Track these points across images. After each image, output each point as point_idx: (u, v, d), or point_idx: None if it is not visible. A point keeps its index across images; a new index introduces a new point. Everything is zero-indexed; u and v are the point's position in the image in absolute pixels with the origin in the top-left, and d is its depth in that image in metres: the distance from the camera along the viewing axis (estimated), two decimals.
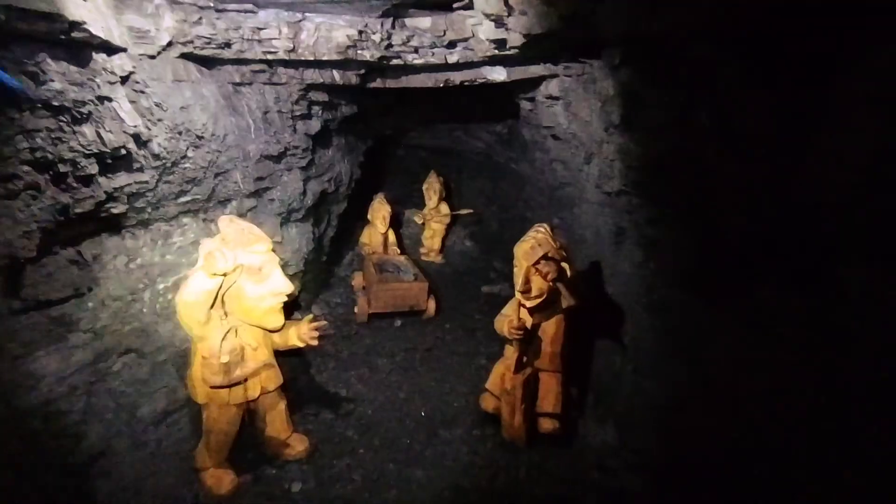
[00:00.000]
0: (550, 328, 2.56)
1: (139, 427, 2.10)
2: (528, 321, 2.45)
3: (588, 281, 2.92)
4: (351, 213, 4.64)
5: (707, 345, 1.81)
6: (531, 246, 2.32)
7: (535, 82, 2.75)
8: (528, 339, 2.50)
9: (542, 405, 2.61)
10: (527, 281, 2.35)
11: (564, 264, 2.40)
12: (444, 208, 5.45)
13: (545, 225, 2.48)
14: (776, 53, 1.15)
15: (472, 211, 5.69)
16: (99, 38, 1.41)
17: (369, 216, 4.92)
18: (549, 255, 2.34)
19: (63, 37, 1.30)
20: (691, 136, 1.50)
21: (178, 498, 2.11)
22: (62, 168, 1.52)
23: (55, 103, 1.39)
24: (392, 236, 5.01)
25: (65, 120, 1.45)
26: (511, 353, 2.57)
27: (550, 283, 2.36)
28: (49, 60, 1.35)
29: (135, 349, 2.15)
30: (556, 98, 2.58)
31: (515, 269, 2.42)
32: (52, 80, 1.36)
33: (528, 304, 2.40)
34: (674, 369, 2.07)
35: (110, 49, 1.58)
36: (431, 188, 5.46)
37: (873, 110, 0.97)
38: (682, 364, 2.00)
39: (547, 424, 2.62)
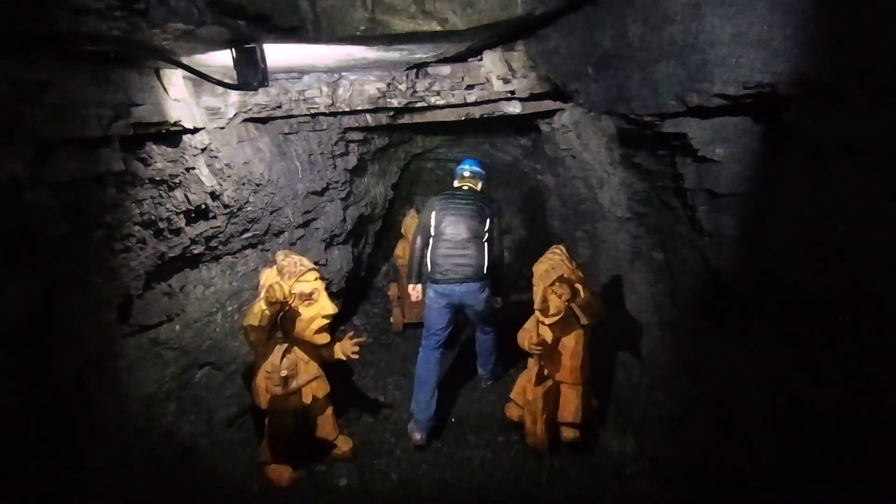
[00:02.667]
0: (570, 343, 2.71)
1: (216, 427, 2.53)
2: (548, 337, 2.64)
3: (608, 295, 3.06)
4: (385, 227, 5.01)
5: (710, 364, 1.95)
6: (546, 269, 2.51)
7: (550, 112, 2.94)
8: (548, 354, 2.69)
9: (563, 415, 2.78)
10: (544, 300, 2.54)
11: (578, 285, 2.57)
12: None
13: (561, 246, 2.66)
14: (736, 122, 1.32)
15: None
16: (189, 128, 1.81)
17: (402, 230, 5.25)
18: (565, 276, 2.52)
19: (165, 131, 1.70)
20: (678, 183, 1.67)
21: (246, 488, 2.51)
22: (161, 225, 1.94)
23: (157, 178, 1.80)
24: None
25: (163, 189, 1.87)
26: (532, 365, 2.77)
27: (565, 303, 2.54)
28: (154, 147, 1.76)
29: (211, 362, 2.58)
30: (569, 128, 2.77)
31: (534, 288, 2.62)
32: (157, 162, 1.77)
33: (547, 321, 2.59)
34: (682, 385, 2.20)
35: (194, 129, 1.99)
36: None
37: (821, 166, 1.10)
38: (689, 381, 2.13)
39: (568, 433, 2.79)
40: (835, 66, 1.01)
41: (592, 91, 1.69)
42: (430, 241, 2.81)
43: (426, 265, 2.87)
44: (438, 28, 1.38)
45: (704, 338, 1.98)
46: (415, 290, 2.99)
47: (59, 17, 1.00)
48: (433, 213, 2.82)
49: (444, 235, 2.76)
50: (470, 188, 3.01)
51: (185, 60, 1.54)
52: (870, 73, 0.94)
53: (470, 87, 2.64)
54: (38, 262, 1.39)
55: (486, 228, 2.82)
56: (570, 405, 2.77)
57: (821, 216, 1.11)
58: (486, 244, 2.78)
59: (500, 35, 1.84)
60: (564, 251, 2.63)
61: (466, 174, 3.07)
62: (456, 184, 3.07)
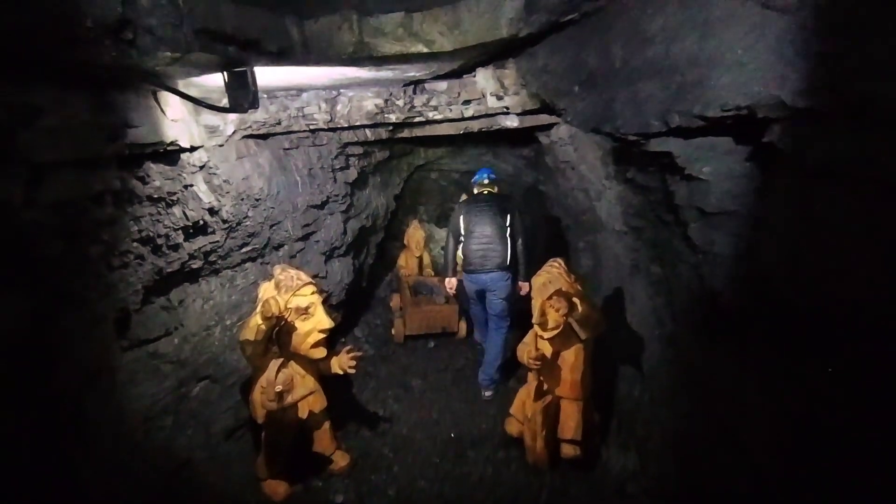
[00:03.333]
0: (570, 357, 2.67)
1: (213, 441, 2.53)
2: (547, 351, 2.60)
3: (610, 307, 3.01)
4: (388, 237, 5.02)
5: (711, 381, 1.90)
6: (543, 282, 2.49)
7: (548, 125, 2.94)
8: (548, 368, 2.65)
9: (563, 431, 2.73)
10: (542, 313, 2.51)
11: (576, 299, 2.53)
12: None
13: (559, 259, 2.63)
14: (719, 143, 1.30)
15: None
16: (186, 147, 1.85)
17: (405, 240, 5.27)
18: (562, 289, 2.49)
19: (162, 150, 1.73)
20: (670, 198, 1.64)
21: (243, 502, 2.50)
22: (159, 241, 1.97)
23: (155, 196, 1.84)
24: (427, 258, 5.31)
25: (161, 206, 1.90)
26: (532, 380, 2.73)
27: (563, 317, 2.51)
28: (152, 165, 1.80)
29: (208, 376, 2.59)
30: (566, 141, 2.76)
31: (533, 302, 2.60)
32: (154, 180, 1.80)
33: (545, 335, 2.56)
34: (684, 401, 2.15)
35: (192, 148, 2.02)
36: None
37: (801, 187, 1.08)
38: (691, 397, 2.08)
39: (568, 450, 2.73)
40: (810, 90, 1.00)
41: (580, 109, 1.70)
42: (462, 239, 3.36)
43: (459, 260, 3.53)
44: (426, 49, 1.39)
45: (705, 353, 1.94)
46: (450, 283, 3.62)
47: (53, 46, 1.03)
48: (461, 217, 3.35)
49: (474, 234, 3.26)
50: (489, 192, 3.47)
51: (181, 82, 1.58)
52: (845, 98, 0.93)
53: (467, 102, 2.66)
54: (34, 279, 1.42)
55: (508, 223, 3.26)
56: (570, 421, 2.72)
57: (808, 236, 1.08)
58: (509, 238, 3.25)
59: (489, 54, 1.85)
60: (562, 264, 2.60)
61: (485, 181, 3.53)
62: (476, 191, 3.54)
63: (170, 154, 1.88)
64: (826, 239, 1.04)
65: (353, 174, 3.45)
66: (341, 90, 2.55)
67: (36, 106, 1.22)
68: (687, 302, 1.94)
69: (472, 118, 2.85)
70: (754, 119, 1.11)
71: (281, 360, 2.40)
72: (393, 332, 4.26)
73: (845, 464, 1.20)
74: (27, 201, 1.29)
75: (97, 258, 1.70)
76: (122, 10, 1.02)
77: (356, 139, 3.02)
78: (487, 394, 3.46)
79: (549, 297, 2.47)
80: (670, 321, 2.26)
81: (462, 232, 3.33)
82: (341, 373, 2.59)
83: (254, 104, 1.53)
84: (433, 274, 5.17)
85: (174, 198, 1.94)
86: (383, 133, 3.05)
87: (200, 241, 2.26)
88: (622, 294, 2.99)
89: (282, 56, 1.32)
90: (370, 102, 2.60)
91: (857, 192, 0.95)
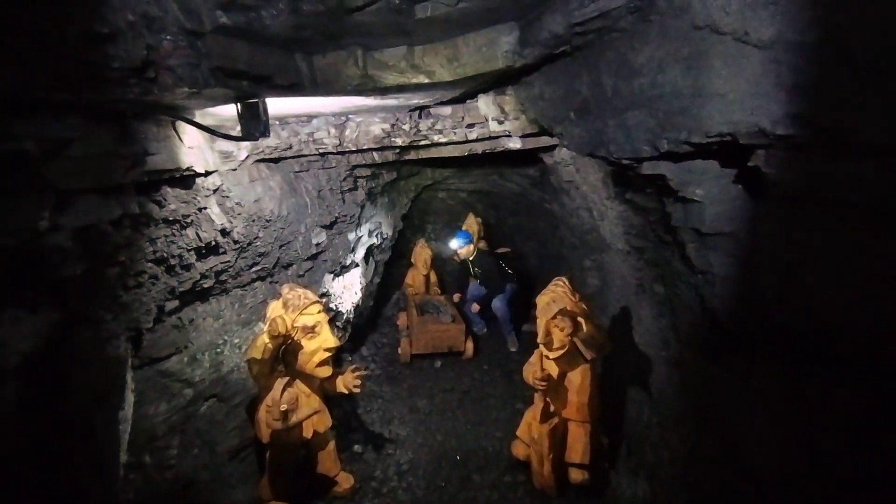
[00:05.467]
0: (577, 378, 2.64)
1: (218, 461, 2.53)
2: (553, 371, 2.58)
3: (617, 327, 2.98)
4: (396, 256, 5.08)
5: (719, 405, 1.86)
6: (547, 302, 2.49)
7: (551, 146, 3.00)
8: (554, 389, 2.61)
9: (571, 455, 2.67)
10: (547, 333, 2.50)
11: (581, 319, 2.52)
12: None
13: (564, 279, 2.64)
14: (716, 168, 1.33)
15: (509, 250, 5.90)
16: (201, 172, 1.94)
17: (412, 259, 5.32)
18: (567, 309, 2.48)
19: (178, 176, 1.82)
20: (668, 221, 1.66)
21: None
22: (172, 261, 2.04)
23: (170, 218, 1.92)
24: (434, 277, 5.35)
25: (175, 228, 1.98)
26: (538, 402, 2.69)
27: (568, 337, 2.49)
28: (168, 190, 1.89)
29: (216, 394, 2.62)
30: (569, 162, 2.81)
31: (537, 321, 2.59)
32: (170, 203, 1.89)
33: (551, 355, 2.54)
34: (692, 425, 2.10)
35: (207, 172, 2.12)
36: (470, 229, 5.79)
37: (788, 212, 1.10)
38: (699, 421, 2.03)
39: (576, 475, 2.66)
40: (787, 119, 1.03)
41: (575, 135, 1.76)
42: None
43: None
44: (427, 80, 1.47)
45: (710, 376, 1.91)
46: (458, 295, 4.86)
47: (82, 87, 1.13)
48: None
49: None
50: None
51: (197, 112, 1.68)
52: (819, 127, 0.95)
53: (470, 125, 2.74)
54: (53, 300, 1.49)
55: None
56: (577, 444, 2.66)
57: (796, 258, 1.09)
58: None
59: (488, 83, 1.93)
60: (567, 283, 2.60)
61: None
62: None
63: (185, 179, 1.97)
64: (812, 262, 1.05)
65: (361, 195, 3.54)
66: (350, 116, 2.66)
67: (65, 138, 1.31)
68: (690, 323, 1.93)
69: (476, 140, 2.93)
70: (738, 145, 1.14)
71: (287, 379, 2.43)
72: (399, 351, 4.26)
73: (855, 487, 1.16)
74: (52, 226, 1.37)
75: (114, 279, 1.77)
76: (147, 53, 1.11)
77: (364, 161, 3.12)
78: (515, 343, 4.47)
79: (554, 317, 2.47)
80: (675, 342, 2.23)
81: None
82: (346, 392, 2.60)
83: (265, 133, 1.61)
84: (440, 293, 5.19)
85: (188, 220, 2.02)
86: (390, 155, 3.14)
87: (212, 261, 2.34)
88: (629, 314, 2.96)
89: (291, 89, 1.41)
90: (377, 127, 2.70)
91: (837, 217, 0.96)
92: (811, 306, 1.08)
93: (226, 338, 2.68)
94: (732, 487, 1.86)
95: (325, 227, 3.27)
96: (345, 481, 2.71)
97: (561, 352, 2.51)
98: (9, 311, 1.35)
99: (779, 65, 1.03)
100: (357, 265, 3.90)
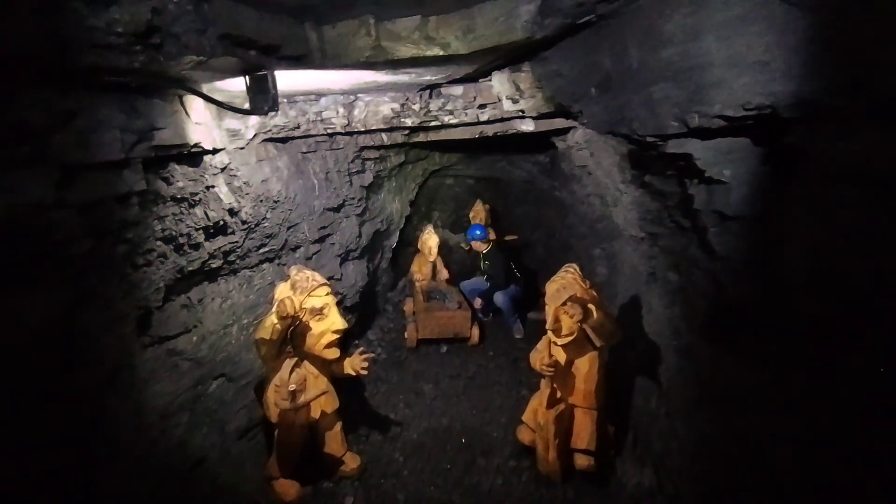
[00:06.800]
0: (584, 365, 2.62)
1: (227, 440, 2.56)
2: (561, 358, 2.56)
3: (626, 316, 2.94)
4: (402, 243, 5.05)
5: (732, 395, 1.82)
6: (557, 288, 2.45)
7: (564, 129, 2.92)
8: (561, 376, 2.60)
9: (577, 441, 2.67)
10: (556, 320, 2.47)
11: (591, 306, 2.48)
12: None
13: (574, 266, 2.59)
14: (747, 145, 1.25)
15: (516, 237, 5.84)
16: (209, 149, 1.91)
17: (419, 246, 5.28)
18: (577, 296, 2.44)
19: (186, 152, 1.79)
20: (688, 204, 1.60)
21: (254, 502, 2.52)
22: (181, 240, 2.03)
23: (178, 196, 1.89)
24: (441, 264, 5.32)
25: (184, 206, 1.96)
26: (545, 388, 2.68)
27: (577, 324, 2.46)
28: (176, 167, 1.86)
29: (224, 374, 2.64)
30: (583, 145, 2.73)
31: (546, 308, 2.56)
32: (178, 181, 1.86)
33: (559, 342, 2.51)
34: (702, 415, 2.07)
35: (215, 150, 2.09)
36: (478, 216, 5.72)
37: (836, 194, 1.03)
38: (711, 411, 2.00)
39: (582, 461, 2.66)
40: (836, 88, 0.96)
41: (595, 112, 1.68)
42: None
43: None
44: (441, 53, 1.40)
45: (724, 366, 1.87)
46: None
47: (85, 53, 1.09)
48: None
49: None
50: None
51: (205, 86, 1.63)
52: (869, 97, 0.88)
53: (482, 106, 2.66)
54: (61, 277, 1.48)
55: None
56: (583, 431, 2.66)
57: (831, 241, 1.03)
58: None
59: (504, 58, 1.85)
60: (577, 270, 2.56)
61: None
62: None
63: (193, 156, 1.94)
64: (850, 245, 0.99)
65: (368, 178, 3.49)
66: (359, 95, 2.60)
67: (71, 110, 1.28)
68: (704, 311, 1.88)
69: (488, 122, 2.86)
70: (777, 119, 1.07)
71: (295, 360, 2.43)
72: (406, 336, 4.26)
73: (878, 485, 1.13)
74: (57, 201, 1.35)
75: (122, 257, 1.76)
76: (151, 17, 1.06)
77: (372, 143, 3.06)
78: (520, 332, 4.45)
79: (564, 304, 2.43)
80: (687, 331, 2.19)
81: None
82: (354, 374, 2.60)
83: (273, 107, 1.57)
84: (447, 280, 5.17)
85: (196, 198, 1.99)
86: (399, 137, 3.08)
87: (220, 241, 2.32)
88: (638, 303, 2.92)
89: (301, 61, 1.36)
90: (387, 107, 2.64)
91: (883, 197, 0.90)
92: (846, 292, 1.03)
93: (234, 318, 2.69)
94: (742, 479, 1.84)
95: (332, 209, 3.23)
96: (352, 462, 2.74)
97: (569, 339, 2.48)
98: (20, 288, 1.34)
99: (827, 29, 0.95)
100: (364, 249, 3.87)
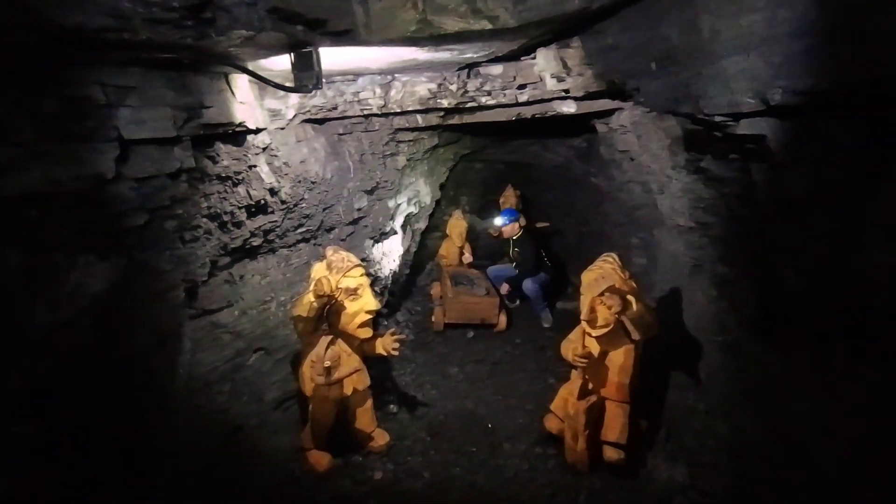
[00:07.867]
0: (619, 358, 2.54)
1: (264, 410, 2.69)
2: (595, 349, 2.50)
3: (663, 309, 2.83)
4: (431, 227, 5.05)
5: (780, 394, 1.72)
6: (595, 278, 2.37)
7: (607, 112, 2.78)
8: (594, 367, 2.54)
9: (607, 434, 2.62)
10: (592, 310, 2.40)
11: (630, 297, 2.39)
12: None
13: (613, 255, 2.50)
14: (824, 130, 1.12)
15: (547, 224, 5.71)
16: (252, 129, 1.94)
17: (447, 230, 5.27)
18: (616, 286, 2.36)
19: (231, 131, 1.82)
20: (750, 191, 1.48)
21: (288, 471, 2.64)
22: (225, 218, 2.10)
23: (223, 175, 1.95)
24: (468, 249, 5.29)
25: (228, 185, 2.01)
26: (576, 378, 2.63)
27: (615, 316, 2.38)
28: (221, 146, 1.90)
29: (263, 347, 2.75)
30: (628, 129, 2.60)
31: (581, 298, 2.49)
32: (223, 160, 1.91)
33: (594, 333, 2.45)
34: (746, 414, 1.98)
35: (257, 130, 2.12)
36: (508, 202, 5.62)
37: None
38: (755, 410, 1.91)
39: (611, 453, 2.62)
40: None
41: (654, 89, 1.55)
42: None
43: None
44: (489, 26, 1.34)
45: (775, 363, 1.76)
46: None
47: (140, 28, 1.11)
48: None
49: None
50: None
51: (249, 65, 1.64)
52: None
53: (522, 86, 2.57)
54: (119, 248, 1.56)
55: None
56: (615, 424, 2.61)
57: None
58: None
59: (553, 32, 1.76)
60: (617, 260, 2.47)
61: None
62: None
63: (237, 135, 1.98)
64: None
65: (401, 161, 3.48)
66: (396, 75, 2.56)
67: (127, 86, 1.32)
68: (757, 306, 1.77)
69: (527, 103, 2.76)
70: (880, 94, 0.95)
71: (330, 337, 2.50)
72: (433, 319, 4.30)
73: None
74: (116, 175, 1.41)
75: (172, 232, 1.84)
76: None
77: (407, 125, 3.03)
78: (547, 321, 4.51)
79: (601, 294, 2.36)
80: (735, 326, 2.08)
81: None
82: (385, 354, 2.65)
83: (318, 85, 1.57)
84: (468, 264, 5.14)
85: (240, 177, 2.05)
86: (434, 119, 3.03)
87: (261, 220, 2.38)
88: (679, 295, 2.79)
89: (345, 35, 1.33)
90: (423, 87, 2.59)
91: None
92: None
93: (272, 294, 2.78)
94: (786, 480, 1.76)
95: (366, 192, 3.25)
96: (380, 437, 2.82)
97: (605, 330, 2.41)
98: (83, 256, 1.42)
99: None
100: (396, 233, 3.90)
